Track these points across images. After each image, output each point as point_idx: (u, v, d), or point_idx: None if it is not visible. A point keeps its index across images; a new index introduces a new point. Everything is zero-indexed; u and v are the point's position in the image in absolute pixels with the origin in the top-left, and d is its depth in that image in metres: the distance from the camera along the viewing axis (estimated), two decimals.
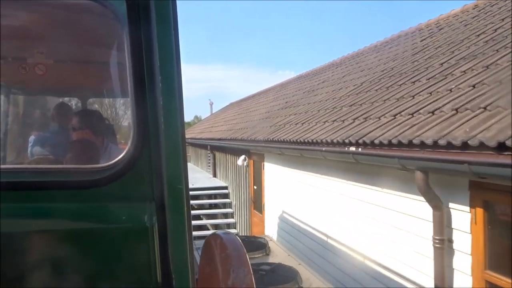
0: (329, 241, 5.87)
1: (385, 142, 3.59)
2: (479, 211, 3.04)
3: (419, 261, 3.87)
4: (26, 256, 1.10)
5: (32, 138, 2.60)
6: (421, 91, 4.52)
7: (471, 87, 3.65)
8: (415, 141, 3.19)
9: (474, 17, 7.10)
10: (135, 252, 1.13)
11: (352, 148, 4.20)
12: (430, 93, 4.25)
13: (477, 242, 3.06)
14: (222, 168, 13.21)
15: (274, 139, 6.77)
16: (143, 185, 1.13)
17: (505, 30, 4.90)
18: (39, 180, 1.15)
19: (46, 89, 3.16)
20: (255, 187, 9.36)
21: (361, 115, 5.02)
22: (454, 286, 3.34)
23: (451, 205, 3.33)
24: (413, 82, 5.14)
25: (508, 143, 2.39)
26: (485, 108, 3.03)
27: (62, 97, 3.37)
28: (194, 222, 10.71)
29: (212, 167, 14.50)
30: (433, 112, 3.61)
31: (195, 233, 8.68)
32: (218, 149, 13.43)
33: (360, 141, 4.03)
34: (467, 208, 3.15)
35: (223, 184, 12.52)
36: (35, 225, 1.11)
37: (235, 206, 11.41)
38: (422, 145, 3.12)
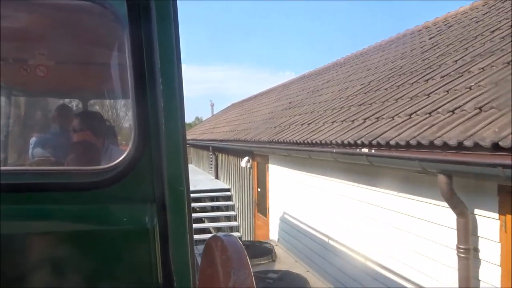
0: (338, 246, 5.64)
1: (402, 143, 3.36)
2: (510, 218, 2.82)
3: (432, 266, 3.65)
4: (27, 257, 1.10)
5: (33, 139, 2.59)
6: (436, 89, 4.30)
7: (494, 85, 3.42)
8: (437, 142, 2.96)
9: (485, 13, 6.89)
10: (136, 254, 1.12)
11: (365, 150, 3.98)
12: (447, 91, 4.03)
13: (506, 252, 2.84)
14: (225, 169, 12.98)
15: (279, 140, 6.55)
16: (144, 186, 1.13)
17: None
18: (40, 182, 1.14)
19: (47, 90, 3.13)
20: (259, 190, 9.13)
21: (372, 115, 4.79)
22: None
23: (477, 211, 3.10)
24: (426, 80, 4.92)
25: None
26: None
27: (63, 99, 3.36)
28: (196, 225, 10.49)
29: (214, 169, 14.26)
30: (453, 111, 3.39)
31: (197, 236, 8.45)
32: (220, 151, 13.20)
33: (374, 142, 3.80)
34: (496, 215, 2.92)
35: (226, 186, 12.29)
36: (37, 227, 1.11)
37: (238, 209, 11.18)
38: (445, 146, 2.89)
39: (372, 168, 4.45)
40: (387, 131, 3.87)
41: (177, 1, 1.19)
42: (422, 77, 5.18)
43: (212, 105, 38.46)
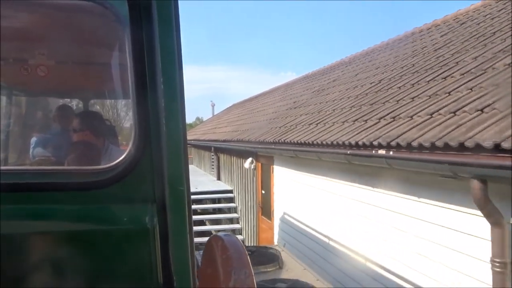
0: (347, 251, 5.36)
1: (427, 144, 3.08)
2: None
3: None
4: (28, 257, 1.09)
5: (33, 139, 2.58)
6: (457, 87, 4.02)
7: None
8: (468, 144, 2.68)
9: (501, 10, 6.62)
10: (137, 254, 1.12)
11: (382, 151, 3.69)
12: (471, 89, 3.75)
13: None
14: (227, 170, 12.69)
15: (286, 141, 6.27)
16: (145, 186, 1.12)
17: None
18: (41, 182, 1.14)
19: (48, 90, 3.12)
20: (263, 192, 8.85)
21: (387, 114, 4.51)
22: None
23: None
24: (445, 78, 4.64)
25: None
26: None
27: (63, 99, 3.35)
28: (198, 228, 10.20)
29: (216, 170, 13.97)
30: (482, 110, 3.11)
31: (199, 239, 8.16)
32: (222, 151, 12.91)
33: (393, 143, 3.52)
34: None
35: (228, 187, 11.99)
36: (37, 226, 1.10)
37: (241, 211, 10.89)
38: (478, 148, 2.61)
39: (385, 171, 4.20)
40: (406, 131, 3.59)
41: (178, 1, 1.18)
42: (439, 75, 4.90)
43: (213, 105, 38.41)
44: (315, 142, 5.18)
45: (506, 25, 5.30)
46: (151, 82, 1.11)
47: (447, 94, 4.02)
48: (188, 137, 15.97)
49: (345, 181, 5.37)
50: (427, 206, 3.85)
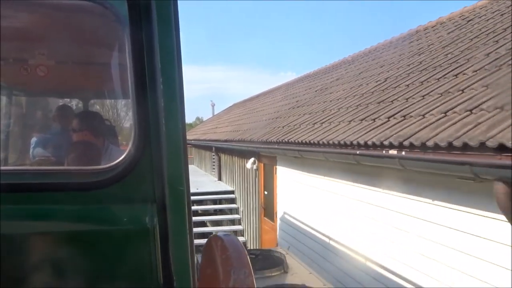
0: (353, 254, 5.19)
1: (443, 144, 2.92)
2: None
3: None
4: (28, 258, 1.09)
5: (33, 139, 2.57)
6: (471, 84, 3.85)
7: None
8: (490, 143, 2.51)
9: (509, 6, 6.46)
10: (137, 254, 1.11)
11: (393, 151, 3.53)
12: (486, 87, 3.58)
13: None
14: (228, 171, 12.51)
15: (289, 141, 6.10)
16: (144, 186, 1.12)
17: None
18: (41, 182, 1.14)
19: (48, 90, 3.12)
20: (265, 192, 8.67)
21: (396, 113, 4.34)
22: None
23: None
24: (456, 75, 4.47)
25: None
26: None
27: (63, 99, 3.34)
28: (199, 229, 10.03)
29: (217, 170, 13.79)
30: (502, 108, 2.94)
31: (199, 241, 8.00)
32: (224, 151, 12.74)
33: (406, 143, 3.35)
34: None
35: (229, 188, 11.81)
36: (37, 227, 1.10)
37: (242, 212, 10.72)
38: (501, 149, 2.45)
39: (392, 171, 4.05)
40: (419, 130, 3.42)
41: (178, 1, 1.17)
42: (449, 72, 4.74)
43: (213, 105, 38.34)
44: (321, 142, 5.01)
45: None
46: (151, 82, 1.11)
47: (461, 92, 3.85)
48: (188, 137, 15.69)
49: (351, 182, 5.20)
50: (443, 209, 3.72)
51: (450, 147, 2.86)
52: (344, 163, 4.92)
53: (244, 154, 9.93)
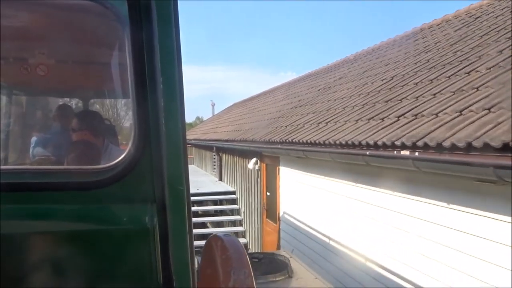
0: (360, 258, 5.03)
1: (461, 144, 2.75)
2: None
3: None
4: (27, 257, 1.08)
5: (33, 139, 2.56)
6: (486, 82, 3.69)
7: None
8: None
9: None
10: (136, 254, 1.11)
11: (405, 152, 3.36)
12: (503, 84, 3.42)
13: None
14: (229, 171, 12.34)
15: (294, 141, 5.94)
16: (144, 186, 1.11)
17: None
18: (41, 181, 1.13)
19: (48, 89, 3.11)
20: (268, 193, 8.50)
21: (406, 112, 4.18)
22: None
23: None
24: (468, 73, 4.31)
25: None
26: None
27: (63, 98, 3.33)
28: (199, 231, 9.86)
29: (218, 170, 13.62)
30: None
31: (200, 242, 7.83)
32: (225, 151, 12.57)
33: (419, 143, 3.19)
34: None
35: (231, 188, 11.64)
36: (37, 226, 1.10)
37: (244, 213, 10.55)
38: None
39: (403, 173, 3.91)
40: (433, 130, 3.26)
41: (178, 1, 1.17)
42: (460, 70, 4.57)
43: (213, 105, 38.27)
44: (326, 142, 4.84)
45: None
46: (151, 82, 1.10)
47: (475, 90, 3.69)
48: (189, 137, 15.55)
49: (357, 183, 5.04)
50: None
51: (469, 147, 2.69)
52: (350, 164, 4.76)
53: (246, 154, 9.77)
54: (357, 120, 5.02)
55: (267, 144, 7.14)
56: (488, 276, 3.15)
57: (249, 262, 1.40)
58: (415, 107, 4.20)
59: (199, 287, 1.39)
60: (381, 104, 5.14)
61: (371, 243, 4.81)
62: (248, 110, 16.13)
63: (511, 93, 2.97)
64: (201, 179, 14.15)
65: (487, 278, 3.15)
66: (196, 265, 1.41)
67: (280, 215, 7.55)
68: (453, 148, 2.84)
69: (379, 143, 3.75)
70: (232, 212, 11.12)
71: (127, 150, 1.12)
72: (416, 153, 3.24)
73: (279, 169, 7.56)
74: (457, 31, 6.92)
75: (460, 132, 2.93)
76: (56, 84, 2.89)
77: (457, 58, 5.19)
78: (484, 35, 5.57)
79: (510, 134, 2.47)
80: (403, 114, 4.17)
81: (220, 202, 11.49)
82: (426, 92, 4.52)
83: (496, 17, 6.23)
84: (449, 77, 4.58)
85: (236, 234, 10.28)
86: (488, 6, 7.53)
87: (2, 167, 2.06)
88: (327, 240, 5.77)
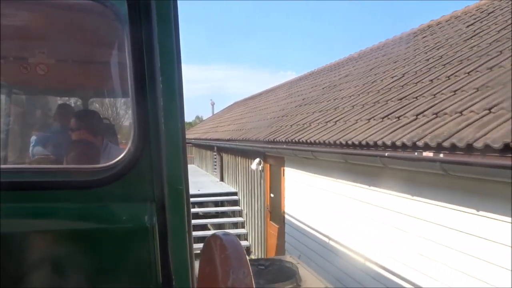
0: (368, 264, 4.75)
1: (497, 145, 2.47)
2: None
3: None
4: (27, 256, 1.09)
5: (33, 138, 2.56)
6: None
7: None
8: None
9: None
10: (136, 252, 1.11)
11: (428, 153, 3.08)
12: None
13: None
14: (231, 171, 12.05)
15: (301, 140, 5.65)
16: (144, 185, 1.12)
17: None
18: (40, 180, 1.13)
19: (48, 89, 3.12)
20: (272, 195, 8.21)
21: (425, 110, 3.90)
22: None
23: None
24: (490, 69, 4.03)
25: None
26: None
27: (63, 97, 3.35)
28: (200, 233, 9.57)
29: (219, 170, 13.33)
30: None
31: (201, 245, 7.54)
32: (226, 151, 12.27)
33: (446, 143, 2.91)
34: None
35: (232, 189, 11.35)
36: (36, 225, 1.10)
37: (246, 215, 10.26)
38: None
39: (417, 175, 3.67)
40: (461, 129, 2.98)
41: (178, 1, 1.16)
42: (480, 65, 4.29)
43: (213, 104, 38.23)
44: (338, 142, 4.56)
45: None
46: (150, 81, 1.10)
47: (501, 86, 3.41)
48: (189, 136, 15.27)
49: (368, 186, 4.76)
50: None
51: (506, 149, 2.41)
52: (362, 166, 4.48)
53: (248, 154, 9.49)
54: (369, 119, 4.74)
55: (271, 144, 6.86)
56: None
57: (248, 261, 1.38)
58: (434, 104, 3.92)
59: (198, 287, 1.41)
60: (395, 102, 4.86)
61: (382, 247, 4.53)
62: (250, 109, 15.84)
63: None
64: (202, 179, 13.86)
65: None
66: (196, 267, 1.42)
67: (285, 217, 7.26)
68: (486, 149, 2.56)
69: (398, 143, 3.47)
70: (234, 213, 10.83)
71: (126, 149, 1.11)
72: (441, 155, 2.96)
73: (284, 170, 7.27)
74: (470, 27, 6.64)
75: (494, 132, 2.65)
76: (56, 83, 2.88)
77: (475, 53, 4.91)
78: (501, 29, 5.29)
79: None
80: (421, 112, 3.89)
81: (222, 203, 11.20)
82: (444, 89, 4.24)
83: None
84: (468, 73, 4.30)
85: (238, 236, 10.00)
86: (500, 1, 7.26)
87: (2, 166, 2.02)
88: (336, 245, 5.48)
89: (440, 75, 4.87)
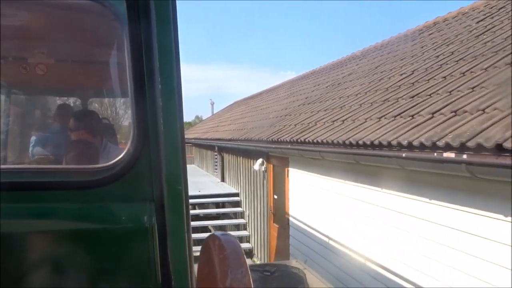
0: (376, 268, 4.54)
1: None
2: None
3: None
4: (26, 256, 1.09)
5: (33, 138, 2.56)
6: None
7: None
8: None
9: None
10: (135, 252, 1.11)
11: (449, 154, 2.86)
12: None
13: None
14: (232, 172, 11.82)
15: (306, 140, 5.43)
16: (143, 185, 1.12)
17: None
18: (39, 181, 1.14)
19: (47, 89, 3.11)
20: (275, 197, 7.99)
21: (441, 108, 3.69)
22: None
23: None
24: (509, 64, 3.81)
25: None
26: None
27: (62, 97, 3.34)
28: (201, 235, 9.35)
29: (220, 171, 13.10)
30: None
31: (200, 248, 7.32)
32: (227, 151, 12.05)
33: (470, 143, 2.69)
34: None
35: (234, 190, 11.12)
36: (35, 225, 1.10)
37: (248, 216, 10.03)
38: None
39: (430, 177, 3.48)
40: (486, 128, 2.76)
41: (176, 1, 1.16)
42: (498, 61, 4.08)
43: (212, 104, 38.00)
44: (347, 142, 4.34)
45: None
46: (149, 81, 1.10)
47: None
48: (189, 136, 14.98)
49: (383, 189, 4.54)
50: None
51: None
52: (374, 167, 4.26)
53: (251, 154, 9.26)
54: (380, 118, 4.52)
55: (275, 144, 6.64)
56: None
57: (246, 261, 1.37)
58: (451, 102, 3.71)
59: (198, 287, 1.40)
60: (406, 100, 4.64)
61: (391, 249, 4.31)
62: (251, 108, 15.62)
63: None
64: (202, 179, 13.63)
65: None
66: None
67: (290, 220, 7.04)
68: None
69: (415, 143, 3.25)
70: (235, 215, 10.61)
71: (126, 149, 1.11)
72: (464, 156, 2.74)
73: (288, 170, 7.04)
74: (480, 22, 6.43)
75: None
76: (55, 83, 2.88)
77: (489, 49, 4.69)
78: None
79: None
80: (438, 110, 3.67)
81: (223, 204, 10.98)
82: (460, 85, 4.02)
83: None
84: (485, 69, 4.09)
85: (241, 238, 9.77)
86: None
87: (2, 166, 2.01)
88: (344, 249, 5.26)
89: (453, 71, 4.66)
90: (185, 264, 1.14)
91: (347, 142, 4.32)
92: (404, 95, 4.87)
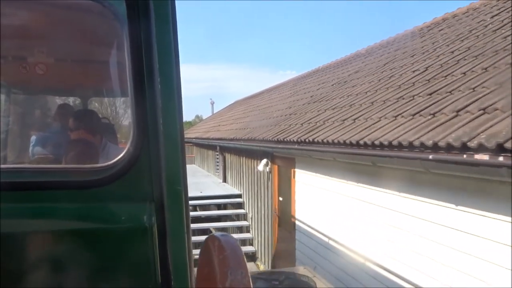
0: (393, 277, 4.26)
1: None
2: None
3: None
4: (26, 256, 1.09)
5: (33, 138, 2.55)
6: None
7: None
8: None
9: None
10: (135, 252, 1.11)
11: (483, 156, 2.58)
12: None
13: None
14: (235, 172, 11.53)
15: (315, 140, 5.15)
16: (143, 185, 1.12)
17: None
18: (39, 180, 1.14)
19: (47, 88, 3.12)
20: (280, 199, 7.71)
21: (467, 105, 3.41)
22: None
23: None
24: None
25: None
26: None
27: (62, 97, 3.34)
28: (203, 238, 9.07)
29: (222, 171, 12.81)
30: None
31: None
32: (229, 151, 11.76)
33: (509, 144, 2.41)
34: None
35: (236, 191, 10.83)
36: (35, 225, 1.11)
37: (251, 219, 9.75)
38: None
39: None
40: None
41: (176, 0, 1.16)
42: None
43: (213, 103, 37.84)
44: (361, 142, 4.06)
45: None
46: (149, 80, 1.10)
47: None
48: (190, 135, 14.63)
49: (401, 193, 4.26)
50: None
51: None
52: (381, 168, 3.98)
53: (254, 154, 8.98)
54: (395, 116, 4.24)
55: (281, 144, 6.36)
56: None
57: (246, 262, 1.36)
58: (477, 99, 3.43)
59: (197, 287, 1.39)
60: (423, 98, 4.36)
61: (406, 254, 4.04)
62: (253, 107, 15.34)
63: None
64: (204, 180, 13.35)
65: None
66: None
67: (296, 223, 6.75)
68: None
69: (441, 144, 2.97)
70: (238, 217, 10.32)
71: (126, 149, 1.11)
72: (501, 158, 2.46)
73: (294, 172, 6.76)
74: (495, 17, 6.15)
75: None
76: (55, 82, 2.88)
77: (511, 43, 4.41)
78: None
79: None
80: (462, 108, 3.39)
81: (225, 206, 10.69)
82: (484, 81, 3.74)
83: None
84: (511, 64, 3.80)
85: (243, 241, 9.49)
86: None
87: (2, 166, 1.98)
88: (356, 256, 4.97)
89: (473, 67, 4.38)
90: (184, 264, 1.14)
91: (361, 142, 4.04)
92: (420, 93, 4.59)
